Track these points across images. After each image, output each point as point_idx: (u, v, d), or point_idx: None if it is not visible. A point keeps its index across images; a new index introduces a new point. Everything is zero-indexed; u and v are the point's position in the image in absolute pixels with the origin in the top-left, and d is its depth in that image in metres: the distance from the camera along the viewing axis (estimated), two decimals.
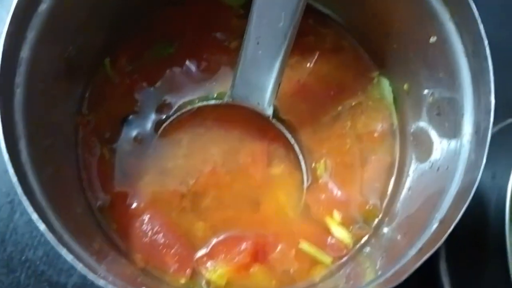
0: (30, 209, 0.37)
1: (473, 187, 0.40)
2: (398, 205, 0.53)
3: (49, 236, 0.36)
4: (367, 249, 0.51)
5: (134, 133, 0.54)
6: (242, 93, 0.51)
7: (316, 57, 0.56)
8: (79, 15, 0.48)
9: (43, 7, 0.43)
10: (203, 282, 0.50)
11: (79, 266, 0.36)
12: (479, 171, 0.40)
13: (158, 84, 0.55)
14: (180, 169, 0.53)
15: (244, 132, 0.54)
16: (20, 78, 0.42)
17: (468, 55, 0.44)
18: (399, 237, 0.49)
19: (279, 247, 0.51)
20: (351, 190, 0.54)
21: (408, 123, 0.54)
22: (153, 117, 0.54)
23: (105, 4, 0.50)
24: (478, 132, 0.43)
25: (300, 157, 0.53)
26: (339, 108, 0.56)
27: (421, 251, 0.41)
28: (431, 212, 0.44)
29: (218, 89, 0.55)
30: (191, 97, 0.55)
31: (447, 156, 0.47)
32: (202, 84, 0.56)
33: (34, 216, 0.36)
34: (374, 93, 0.57)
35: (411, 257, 0.41)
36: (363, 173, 0.55)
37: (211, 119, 0.54)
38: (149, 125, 0.54)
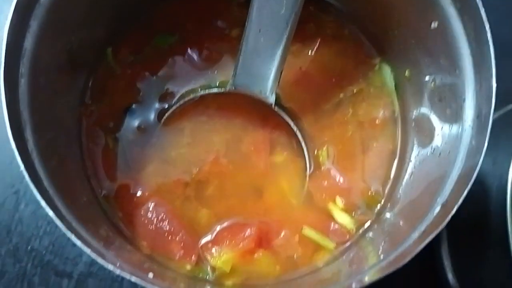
0: (38, 196, 0.37)
1: (474, 171, 0.40)
2: (400, 190, 0.53)
3: (58, 222, 0.37)
4: (370, 234, 0.52)
5: (137, 122, 0.54)
6: (244, 81, 0.51)
7: (317, 44, 0.56)
8: (82, 6, 0.48)
9: None
10: (208, 268, 0.50)
11: (88, 251, 0.36)
12: (480, 156, 0.40)
13: (160, 73, 0.56)
14: (184, 157, 0.53)
15: (247, 120, 0.54)
16: (24, 69, 0.42)
17: (469, 40, 0.44)
18: (401, 222, 0.49)
19: (282, 233, 0.51)
20: (354, 177, 0.54)
21: (409, 109, 0.55)
22: (156, 106, 0.55)
23: None
24: (480, 117, 0.43)
25: (303, 144, 0.53)
26: (341, 95, 0.56)
27: (423, 235, 0.41)
28: (433, 197, 0.44)
29: (220, 78, 0.55)
30: (193, 86, 0.55)
31: (448, 141, 0.47)
32: (204, 73, 0.56)
33: (42, 203, 0.37)
34: (375, 80, 0.57)
35: (413, 241, 0.41)
36: (365, 159, 0.55)
37: (214, 108, 0.55)
38: (152, 114, 0.54)
